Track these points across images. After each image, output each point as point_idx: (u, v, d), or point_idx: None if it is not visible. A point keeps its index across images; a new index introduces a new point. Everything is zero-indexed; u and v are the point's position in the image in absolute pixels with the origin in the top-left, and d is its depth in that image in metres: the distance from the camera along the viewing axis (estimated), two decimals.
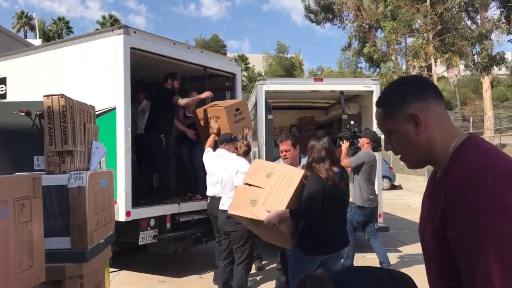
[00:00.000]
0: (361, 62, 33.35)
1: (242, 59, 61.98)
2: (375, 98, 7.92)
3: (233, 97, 7.78)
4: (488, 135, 22.80)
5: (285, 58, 61.89)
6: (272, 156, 7.57)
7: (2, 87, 7.01)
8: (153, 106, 6.94)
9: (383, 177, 20.75)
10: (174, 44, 6.60)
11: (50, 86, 6.39)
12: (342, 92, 8.10)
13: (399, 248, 8.15)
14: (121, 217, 5.77)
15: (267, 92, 7.84)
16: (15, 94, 6.83)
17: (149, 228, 6.10)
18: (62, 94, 3.06)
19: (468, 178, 1.26)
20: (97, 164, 3.48)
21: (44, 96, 3.05)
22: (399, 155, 1.54)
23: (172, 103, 6.63)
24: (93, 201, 3.09)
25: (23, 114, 3.12)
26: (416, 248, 8.11)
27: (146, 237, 6.10)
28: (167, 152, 6.76)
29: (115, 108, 5.86)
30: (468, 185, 1.25)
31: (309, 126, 11.14)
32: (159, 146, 6.58)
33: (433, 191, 1.45)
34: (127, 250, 6.97)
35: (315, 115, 11.08)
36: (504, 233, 1.17)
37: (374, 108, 7.90)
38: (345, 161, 6.09)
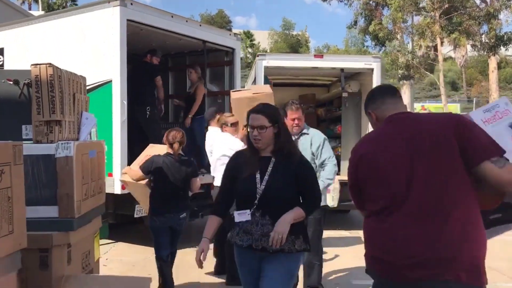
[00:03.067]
0: (367, 41, 32.96)
1: (248, 35, 61.55)
2: (375, 76, 7.85)
3: (231, 72, 7.73)
4: None
5: (291, 35, 61.41)
6: None
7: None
8: (134, 80, 6.84)
9: None
10: (172, 17, 6.54)
11: (46, 58, 6.35)
12: (342, 69, 8.01)
13: None
14: (116, 189, 5.81)
15: (266, 68, 7.77)
16: (13, 65, 6.80)
17: None
18: (50, 63, 3.04)
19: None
20: (87, 134, 3.49)
21: (32, 65, 3.03)
22: None
23: (153, 80, 6.79)
24: (81, 171, 3.11)
25: (11, 82, 3.11)
26: None
27: (141, 210, 6.14)
28: (154, 124, 6.81)
29: (111, 81, 5.85)
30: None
31: (310, 104, 11.03)
32: (145, 119, 6.62)
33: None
34: (125, 222, 7.04)
35: (316, 93, 10.99)
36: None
37: (375, 86, 7.89)
38: None
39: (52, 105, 3.02)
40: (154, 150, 5.09)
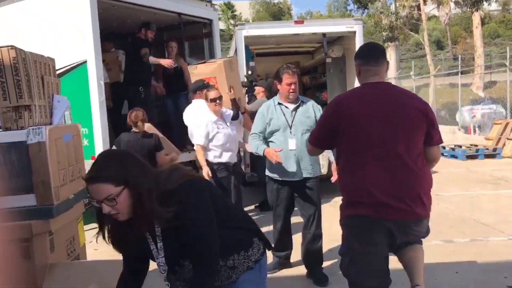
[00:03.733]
0: (349, 4, 32.54)
1: (228, 6, 60.42)
2: (358, 39, 7.72)
3: (211, 45, 7.55)
4: (480, 73, 22.61)
5: (272, 4, 60.45)
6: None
7: None
8: (128, 58, 6.71)
9: None
10: None
11: (20, 42, 6.13)
12: (324, 34, 7.87)
13: None
14: None
15: (246, 38, 7.60)
16: None
17: None
18: (12, 46, 2.89)
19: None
20: (60, 118, 3.35)
21: None
22: None
23: (137, 55, 6.45)
24: (56, 156, 2.99)
25: None
26: None
27: None
28: (147, 104, 6.59)
29: (86, 61, 5.67)
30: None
31: None
32: (138, 99, 6.42)
33: None
34: None
35: (300, 60, 10.85)
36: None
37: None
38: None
39: (18, 89, 2.88)
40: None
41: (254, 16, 58.46)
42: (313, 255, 4.21)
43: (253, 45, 9.16)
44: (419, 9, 25.95)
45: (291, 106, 4.09)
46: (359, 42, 7.68)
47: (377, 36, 29.27)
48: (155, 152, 5.11)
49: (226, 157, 4.87)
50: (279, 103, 4.15)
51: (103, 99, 5.68)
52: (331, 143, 2.76)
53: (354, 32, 7.67)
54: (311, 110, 4.10)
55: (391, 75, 21.38)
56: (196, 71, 5.88)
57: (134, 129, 5.07)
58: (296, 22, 7.94)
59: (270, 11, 58.95)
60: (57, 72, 6.01)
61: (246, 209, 6.27)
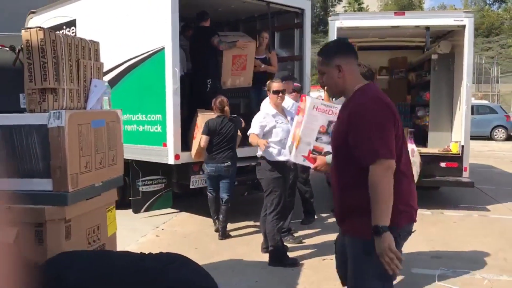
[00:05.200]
0: None
1: None
2: (468, 34, 6.77)
3: (301, 36, 7.14)
4: None
5: None
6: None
7: (73, 29, 7.16)
8: (194, 48, 6.54)
9: (497, 126, 18.60)
10: None
11: (107, 29, 6.39)
12: (427, 28, 7.02)
13: (488, 207, 7.14)
14: (170, 160, 5.68)
15: (340, 29, 7.08)
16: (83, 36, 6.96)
17: (201, 173, 5.96)
18: (40, 27, 2.85)
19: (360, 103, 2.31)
20: (95, 103, 3.28)
21: (22, 28, 2.86)
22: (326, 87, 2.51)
23: (211, 43, 6.26)
24: (77, 142, 2.91)
25: (7, 49, 2.98)
26: (508, 208, 7.08)
27: (197, 181, 6.00)
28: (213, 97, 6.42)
29: (163, 48, 5.66)
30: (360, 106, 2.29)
31: (400, 68, 10.07)
32: (205, 92, 6.29)
33: (343, 109, 2.48)
34: (189, 193, 6.92)
35: (408, 56, 9.96)
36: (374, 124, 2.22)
37: (467, 47, 6.80)
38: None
39: (44, 71, 2.84)
40: (205, 116, 5.79)
41: (382, 9, 56.05)
42: None
43: (353, 38, 8.56)
44: None
45: None
46: (469, 37, 6.74)
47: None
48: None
49: (284, 155, 4.53)
50: None
51: (177, 86, 5.62)
52: None
53: (464, 26, 6.73)
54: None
55: None
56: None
57: (220, 114, 5.60)
58: (396, 13, 7.18)
59: (400, 4, 56.00)
60: (138, 58, 6.19)
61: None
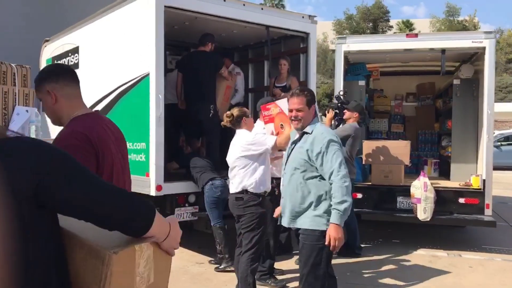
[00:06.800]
0: None
1: (407, 25, 57.61)
2: (488, 57, 6.14)
3: (306, 61, 6.75)
4: None
5: (456, 22, 55.72)
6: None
7: (76, 56, 7.16)
8: (194, 73, 6.24)
9: None
10: (224, 0, 5.87)
11: (103, 55, 6.32)
12: (443, 51, 6.44)
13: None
14: (152, 191, 5.38)
15: (348, 53, 6.64)
16: (85, 63, 6.94)
17: (187, 205, 5.62)
18: None
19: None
20: (15, 132, 3.03)
21: None
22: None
23: (217, 71, 6.08)
24: None
25: None
26: None
27: (182, 214, 5.65)
28: (214, 125, 6.10)
29: (148, 74, 5.44)
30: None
31: (427, 95, 9.42)
32: (207, 118, 6.02)
33: None
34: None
35: (437, 81, 9.30)
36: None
37: (487, 71, 6.17)
38: None
39: None
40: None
41: None
42: None
43: (371, 62, 8.08)
44: None
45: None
46: (489, 60, 6.10)
47: None
48: None
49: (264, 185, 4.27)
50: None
51: (160, 113, 5.36)
52: None
53: (484, 48, 6.10)
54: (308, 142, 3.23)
55: None
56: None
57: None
58: (408, 35, 6.64)
59: (453, 29, 54.35)
60: (127, 85, 6.00)
61: None
